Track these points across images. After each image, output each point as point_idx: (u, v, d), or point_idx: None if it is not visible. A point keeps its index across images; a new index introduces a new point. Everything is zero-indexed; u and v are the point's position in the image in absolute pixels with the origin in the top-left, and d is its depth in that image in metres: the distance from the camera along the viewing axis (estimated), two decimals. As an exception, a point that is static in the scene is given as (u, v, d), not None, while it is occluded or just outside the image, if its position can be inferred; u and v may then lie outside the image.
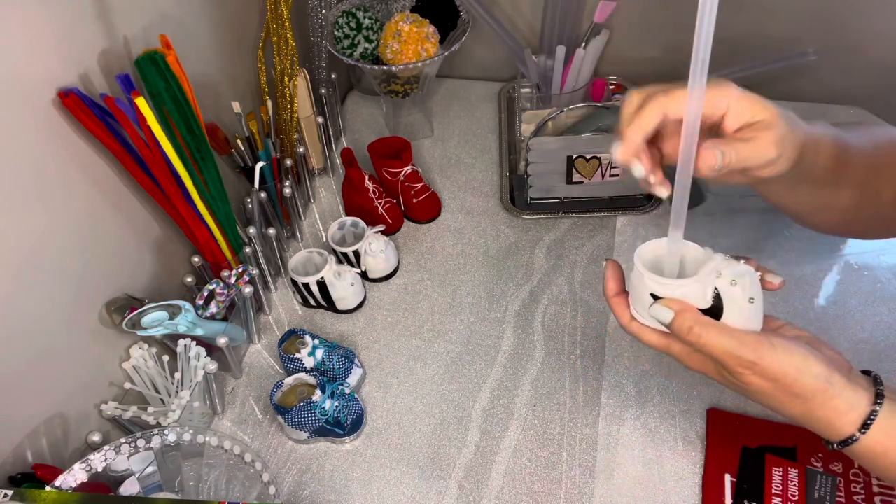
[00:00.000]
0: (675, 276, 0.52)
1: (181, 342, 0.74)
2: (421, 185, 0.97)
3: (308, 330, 0.82)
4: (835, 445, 0.50)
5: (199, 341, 0.75)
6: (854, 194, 0.60)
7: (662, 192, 0.51)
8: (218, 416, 0.79)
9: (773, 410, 0.51)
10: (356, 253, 0.89)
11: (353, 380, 0.79)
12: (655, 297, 0.50)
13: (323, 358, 0.78)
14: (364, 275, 0.90)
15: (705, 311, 0.49)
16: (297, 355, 0.78)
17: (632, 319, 0.54)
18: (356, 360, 0.80)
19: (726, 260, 0.50)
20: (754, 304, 0.49)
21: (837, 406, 0.48)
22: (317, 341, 0.80)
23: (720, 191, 0.98)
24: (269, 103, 0.89)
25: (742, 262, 0.50)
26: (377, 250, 0.89)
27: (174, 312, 0.71)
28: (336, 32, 0.98)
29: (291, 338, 0.81)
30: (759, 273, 0.50)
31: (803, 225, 0.66)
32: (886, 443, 0.48)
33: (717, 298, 0.49)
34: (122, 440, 0.63)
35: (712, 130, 0.50)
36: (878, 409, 0.48)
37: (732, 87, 0.49)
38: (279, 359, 0.82)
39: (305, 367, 0.78)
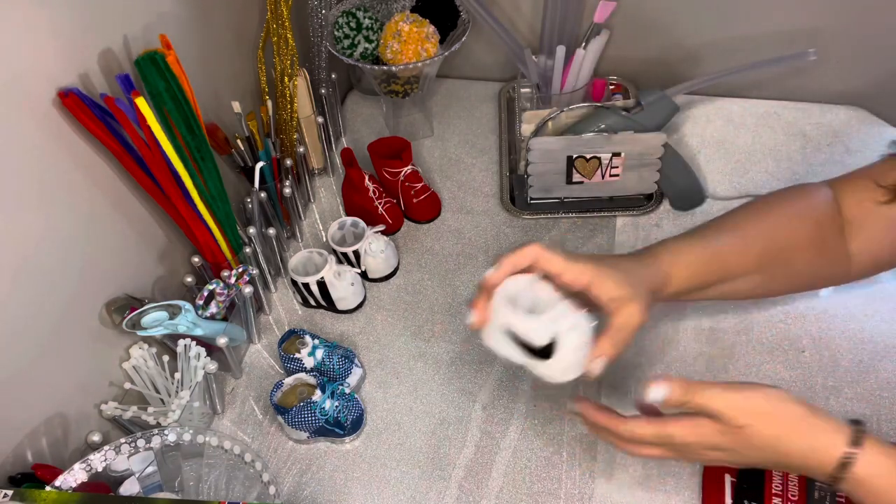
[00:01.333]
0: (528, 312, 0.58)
1: (181, 342, 0.74)
2: (421, 185, 0.97)
3: (308, 330, 0.82)
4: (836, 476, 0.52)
5: (199, 341, 0.75)
6: (757, 278, 0.68)
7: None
8: (218, 416, 0.79)
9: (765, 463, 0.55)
10: (356, 253, 0.89)
11: (352, 380, 0.79)
12: (511, 332, 0.57)
13: (323, 358, 0.78)
14: (364, 275, 0.90)
15: (536, 351, 0.56)
16: (296, 355, 0.78)
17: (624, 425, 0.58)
18: (356, 360, 0.80)
19: (570, 308, 0.57)
20: (581, 352, 0.57)
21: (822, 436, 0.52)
22: (317, 341, 0.80)
23: (720, 193, 0.98)
24: (269, 103, 0.89)
25: (583, 312, 0.58)
26: (377, 250, 0.89)
27: (174, 312, 0.71)
28: (336, 32, 0.98)
29: (291, 338, 0.81)
30: (594, 323, 0.58)
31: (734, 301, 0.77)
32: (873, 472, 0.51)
33: (553, 341, 0.56)
34: (122, 440, 0.63)
35: (580, 295, 0.58)
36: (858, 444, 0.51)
37: (588, 264, 0.58)
38: (279, 359, 0.82)
39: (305, 367, 0.78)
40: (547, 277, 0.59)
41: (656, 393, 0.54)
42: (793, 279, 0.70)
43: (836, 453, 0.51)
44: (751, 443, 0.52)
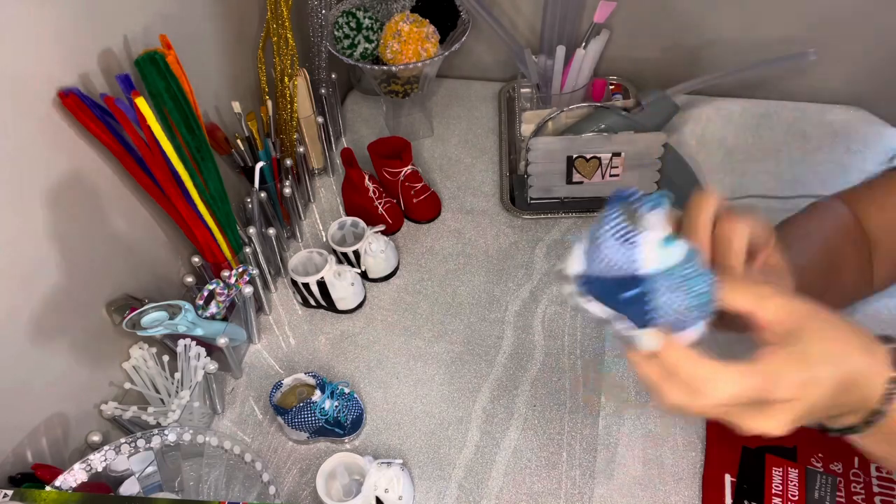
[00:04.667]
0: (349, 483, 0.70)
1: (181, 342, 0.74)
2: (421, 185, 0.97)
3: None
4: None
5: (199, 341, 0.75)
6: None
7: None
8: (218, 416, 0.79)
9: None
10: (356, 253, 0.89)
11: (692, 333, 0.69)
12: None
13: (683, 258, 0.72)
14: (364, 275, 0.90)
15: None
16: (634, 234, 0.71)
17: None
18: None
19: (379, 469, 0.67)
20: (403, 500, 0.67)
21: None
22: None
23: (720, 193, 0.98)
24: (269, 103, 0.89)
25: (393, 462, 0.67)
26: (377, 250, 0.89)
27: (174, 312, 0.71)
28: (336, 32, 0.98)
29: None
30: (406, 470, 0.68)
31: None
32: None
33: (378, 501, 0.66)
34: (122, 440, 0.63)
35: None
36: None
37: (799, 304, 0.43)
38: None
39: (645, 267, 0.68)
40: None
41: (649, 341, 0.41)
42: (841, 301, 0.63)
43: (881, 374, 0.41)
44: (821, 352, 0.40)
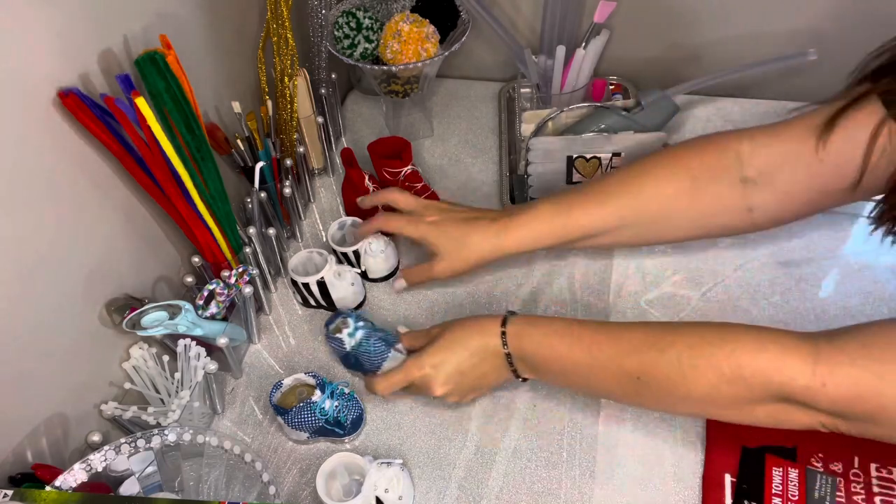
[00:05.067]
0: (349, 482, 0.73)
1: (181, 342, 0.74)
2: (421, 185, 0.97)
3: (361, 314, 0.83)
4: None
5: (199, 341, 0.75)
6: (626, 231, 0.78)
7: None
8: (218, 416, 0.79)
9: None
10: (356, 253, 0.89)
11: (391, 364, 0.76)
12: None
13: (361, 340, 0.77)
14: (364, 275, 0.90)
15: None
16: (338, 335, 0.78)
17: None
18: (398, 346, 0.79)
19: (379, 469, 0.68)
20: (402, 500, 0.68)
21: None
22: (361, 323, 0.79)
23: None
24: (269, 103, 0.89)
25: (393, 462, 0.69)
26: (377, 250, 0.89)
27: (174, 312, 0.71)
28: (336, 32, 0.98)
29: (338, 320, 0.81)
30: (406, 470, 0.70)
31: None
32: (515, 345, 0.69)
33: (378, 501, 0.67)
34: (122, 440, 0.63)
35: None
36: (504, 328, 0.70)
37: (423, 225, 0.83)
38: (325, 340, 0.83)
39: (346, 348, 0.78)
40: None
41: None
42: (671, 231, 0.78)
43: (496, 331, 0.70)
44: (448, 343, 0.71)
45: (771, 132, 0.73)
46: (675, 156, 0.76)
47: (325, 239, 0.97)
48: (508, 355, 0.69)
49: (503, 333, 0.69)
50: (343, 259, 0.91)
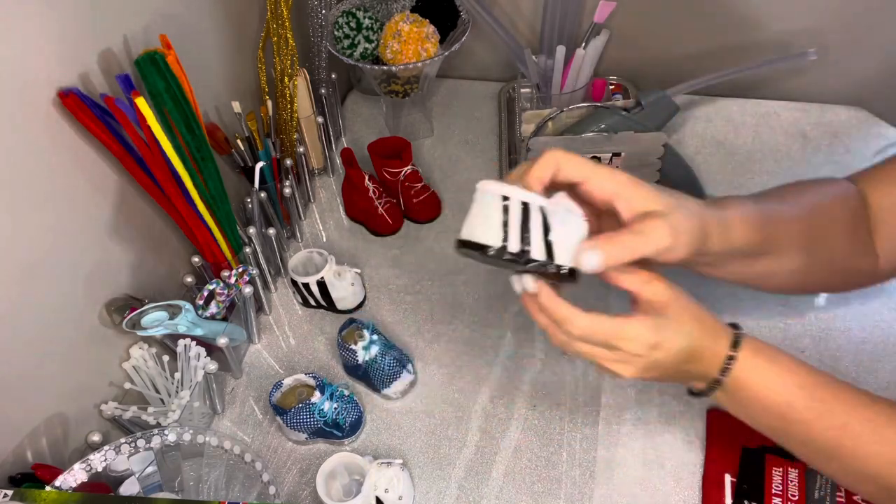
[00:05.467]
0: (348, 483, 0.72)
1: (181, 342, 0.74)
2: (421, 185, 0.97)
3: (373, 325, 0.81)
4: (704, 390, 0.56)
5: (199, 341, 0.75)
6: (800, 257, 0.62)
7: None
8: (218, 416, 0.79)
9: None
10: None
11: (400, 385, 0.78)
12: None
13: (376, 355, 0.77)
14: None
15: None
16: (352, 346, 0.77)
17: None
18: (409, 366, 0.79)
19: (379, 469, 0.68)
20: (402, 500, 0.67)
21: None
22: (375, 337, 0.79)
23: (720, 193, 0.98)
24: (269, 103, 0.89)
25: (393, 462, 0.68)
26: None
27: (174, 312, 0.71)
28: (336, 32, 0.98)
29: (352, 327, 0.81)
30: (406, 470, 0.69)
31: (757, 290, 0.67)
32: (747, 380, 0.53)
33: (378, 501, 0.67)
34: (122, 440, 0.63)
35: (605, 215, 0.53)
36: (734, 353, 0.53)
37: (622, 173, 0.51)
38: (336, 346, 0.81)
39: (358, 360, 0.77)
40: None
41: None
42: (831, 265, 0.65)
43: (722, 353, 0.53)
44: (678, 328, 0.52)
45: (877, 172, 0.67)
46: (830, 184, 0.66)
47: (324, 239, 0.97)
48: (717, 381, 0.54)
49: (730, 358, 0.53)
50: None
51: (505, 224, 0.48)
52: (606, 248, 0.48)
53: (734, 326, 0.55)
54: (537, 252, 0.48)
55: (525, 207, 0.48)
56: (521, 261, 0.48)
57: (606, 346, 0.52)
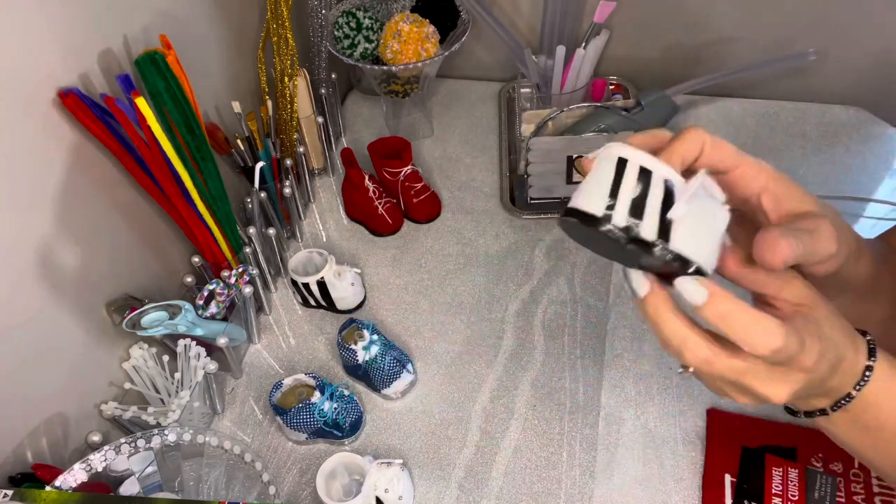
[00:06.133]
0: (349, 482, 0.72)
1: (181, 342, 0.74)
2: (421, 185, 0.97)
3: (373, 325, 0.81)
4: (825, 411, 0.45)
5: (199, 341, 0.75)
6: (891, 306, 0.53)
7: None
8: (218, 416, 0.79)
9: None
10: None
11: (400, 385, 0.78)
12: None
13: (376, 355, 0.77)
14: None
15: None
16: (352, 346, 0.77)
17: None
18: (409, 366, 0.79)
19: (379, 469, 0.67)
20: (402, 500, 0.67)
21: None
22: (375, 337, 0.79)
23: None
24: (269, 103, 0.89)
25: (393, 462, 0.68)
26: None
27: (174, 312, 0.71)
28: (336, 32, 0.98)
29: (352, 327, 0.81)
30: (406, 470, 0.69)
31: None
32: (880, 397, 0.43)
33: (378, 501, 0.66)
34: (122, 440, 0.63)
35: (746, 216, 0.45)
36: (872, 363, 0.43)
37: (769, 167, 0.43)
38: (336, 346, 0.81)
39: (358, 360, 0.77)
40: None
41: (696, 295, 0.37)
42: None
43: (861, 362, 0.43)
44: (828, 333, 0.41)
45: None
46: None
47: (324, 240, 0.97)
48: (848, 397, 0.43)
49: (868, 369, 0.43)
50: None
51: (614, 191, 0.37)
52: (793, 239, 0.39)
53: (863, 333, 0.45)
54: (648, 230, 0.36)
55: (646, 175, 0.37)
56: (628, 241, 0.36)
57: (777, 362, 0.40)
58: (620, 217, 0.36)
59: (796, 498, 0.66)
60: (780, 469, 0.68)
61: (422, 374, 0.82)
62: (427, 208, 0.98)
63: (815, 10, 1.00)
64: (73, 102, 0.61)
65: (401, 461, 0.70)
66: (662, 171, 0.37)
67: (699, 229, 0.37)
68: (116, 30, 0.68)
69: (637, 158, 0.37)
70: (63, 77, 0.62)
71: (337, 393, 0.75)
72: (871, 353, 0.43)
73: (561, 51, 0.97)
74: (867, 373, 0.43)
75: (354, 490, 0.69)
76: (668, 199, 0.36)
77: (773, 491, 0.67)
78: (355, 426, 0.75)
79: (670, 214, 0.36)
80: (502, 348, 0.83)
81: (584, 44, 0.98)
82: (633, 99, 0.96)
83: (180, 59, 0.66)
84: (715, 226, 0.38)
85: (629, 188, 0.37)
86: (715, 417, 0.74)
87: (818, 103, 1.09)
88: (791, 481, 0.68)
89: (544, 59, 1.03)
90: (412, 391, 0.80)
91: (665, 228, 0.36)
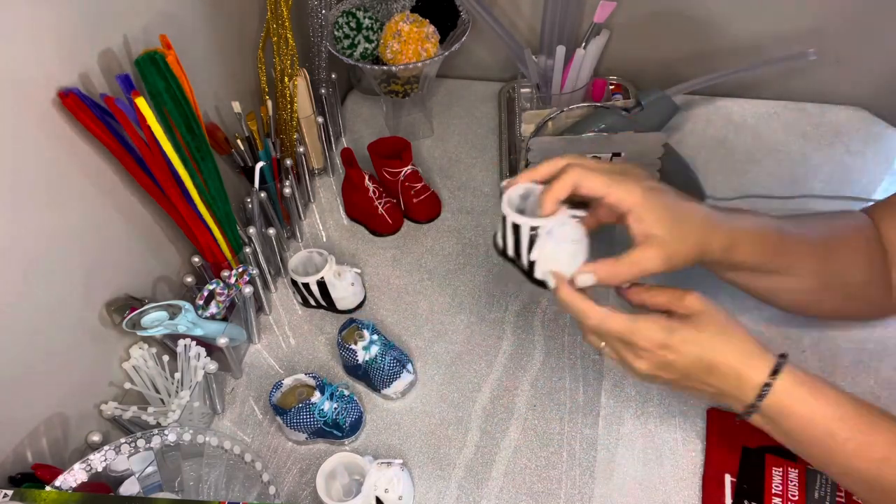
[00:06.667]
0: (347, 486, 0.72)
1: (181, 342, 0.74)
2: (421, 185, 0.97)
3: (374, 325, 0.81)
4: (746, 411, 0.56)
5: (199, 341, 0.75)
6: (812, 281, 0.65)
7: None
8: (218, 416, 0.79)
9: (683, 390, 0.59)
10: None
11: (400, 385, 0.78)
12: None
13: (376, 355, 0.77)
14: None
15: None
16: (352, 346, 0.77)
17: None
18: (409, 366, 0.79)
19: (379, 469, 0.68)
20: (402, 500, 0.68)
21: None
22: (375, 337, 0.79)
23: (720, 193, 0.98)
24: (269, 103, 0.89)
25: (393, 462, 0.69)
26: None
27: (174, 312, 0.71)
28: (336, 32, 0.98)
29: (352, 326, 0.81)
30: (406, 470, 0.70)
31: (766, 303, 0.71)
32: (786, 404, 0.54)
33: (378, 501, 0.67)
34: (122, 440, 0.63)
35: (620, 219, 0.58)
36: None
37: (638, 190, 0.56)
38: (336, 346, 0.81)
39: (358, 360, 0.77)
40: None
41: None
42: (845, 293, 0.68)
43: (758, 379, 0.54)
44: (695, 337, 0.55)
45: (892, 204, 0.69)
46: (847, 216, 0.70)
47: (324, 239, 0.97)
48: (753, 406, 0.55)
49: (766, 385, 0.54)
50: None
51: (503, 235, 0.59)
52: (601, 272, 0.56)
53: (781, 356, 0.56)
54: (524, 262, 0.59)
55: (516, 228, 0.57)
56: (516, 268, 0.60)
57: (621, 340, 0.57)
58: (512, 252, 0.59)
59: (796, 498, 0.66)
60: (781, 469, 0.68)
61: (422, 374, 0.82)
62: (427, 208, 0.98)
63: (816, 10, 1.00)
64: (73, 102, 0.61)
65: (401, 461, 0.70)
66: (527, 224, 0.56)
67: (559, 250, 0.57)
68: (116, 30, 0.68)
69: (511, 218, 0.57)
70: (63, 77, 0.62)
71: (337, 393, 0.75)
72: (776, 372, 0.54)
73: (561, 51, 0.97)
74: (765, 388, 0.54)
75: (354, 490, 0.69)
76: (533, 241, 0.57)
77: (773, 491, 0.67)
78: (355, 426, 0.75)
79: (532, 256, 0.57)
80: (502, 348, 0.83)
81: (584, 44, 0.98)
82: (633, 99, 0.96)
83: (180, 59, 0.66)
84: (575, 240, 0.57)
85: (510, 234, 0.58)
86: (715, 417, 0.74)
87: (818, 103, 1.09)
88: (791, 481, 0.68)
89: (544, 59, 1.03)
90: (412, 391, 0.80)
91: (532, 262, 0.58)
